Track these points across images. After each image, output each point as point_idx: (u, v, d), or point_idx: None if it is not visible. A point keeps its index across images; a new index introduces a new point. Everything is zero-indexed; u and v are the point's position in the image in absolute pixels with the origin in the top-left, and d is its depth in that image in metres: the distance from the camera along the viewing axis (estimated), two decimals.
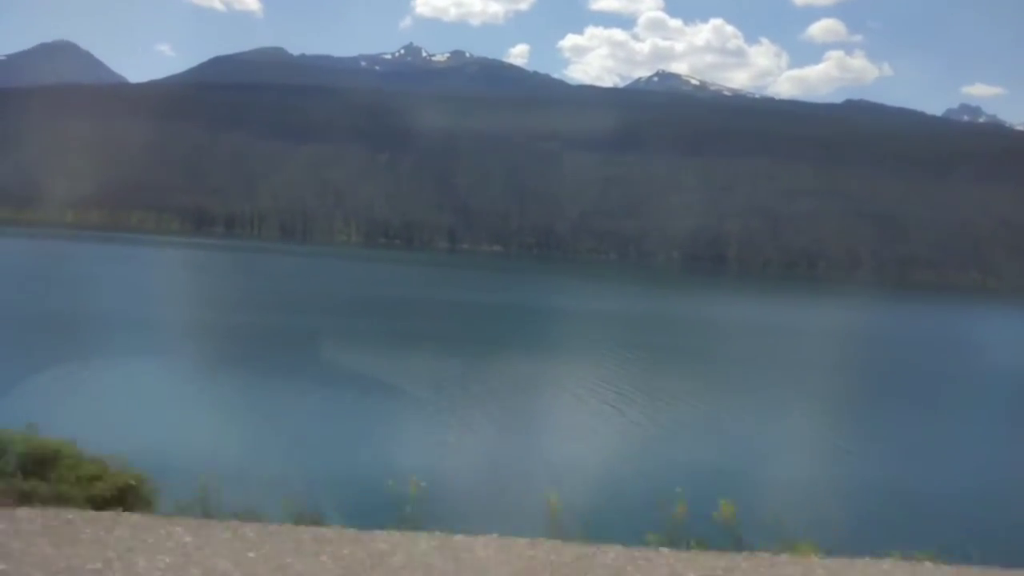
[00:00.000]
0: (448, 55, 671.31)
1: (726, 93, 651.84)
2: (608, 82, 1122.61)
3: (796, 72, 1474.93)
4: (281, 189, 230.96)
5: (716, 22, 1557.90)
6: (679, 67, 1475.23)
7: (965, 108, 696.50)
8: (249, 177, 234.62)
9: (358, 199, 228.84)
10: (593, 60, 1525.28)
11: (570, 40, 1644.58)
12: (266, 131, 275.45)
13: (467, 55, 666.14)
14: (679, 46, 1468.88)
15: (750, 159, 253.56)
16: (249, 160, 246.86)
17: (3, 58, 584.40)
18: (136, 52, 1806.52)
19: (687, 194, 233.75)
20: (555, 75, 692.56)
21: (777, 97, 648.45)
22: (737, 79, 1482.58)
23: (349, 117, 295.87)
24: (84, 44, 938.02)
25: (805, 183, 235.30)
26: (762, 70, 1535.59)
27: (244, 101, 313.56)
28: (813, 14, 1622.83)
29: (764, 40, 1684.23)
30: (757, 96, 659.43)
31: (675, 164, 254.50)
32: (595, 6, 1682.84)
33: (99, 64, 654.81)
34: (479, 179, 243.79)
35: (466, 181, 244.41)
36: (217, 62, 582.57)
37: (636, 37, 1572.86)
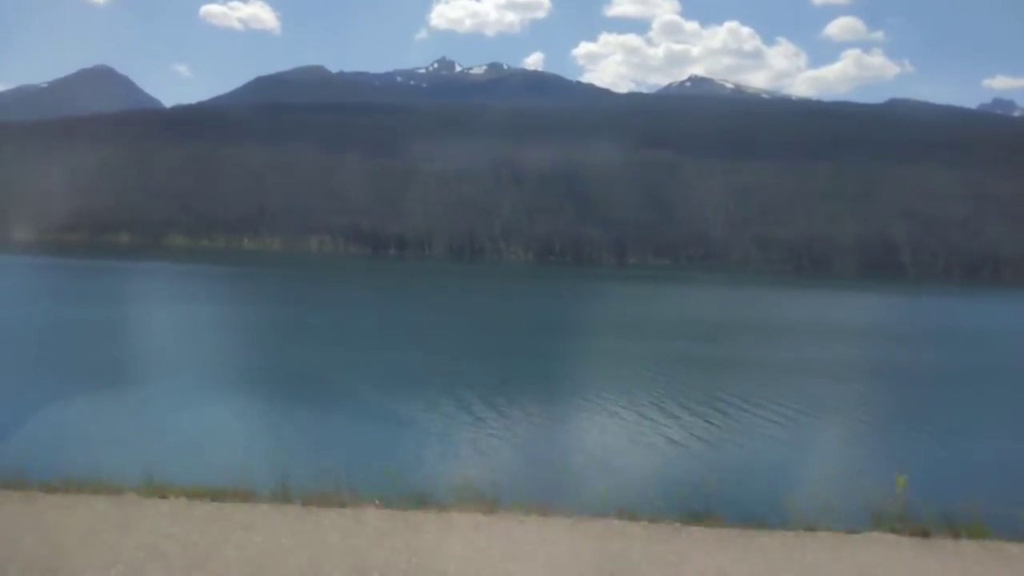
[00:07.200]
0: (485, 67, 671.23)
1: (764, 96, 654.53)
2: (624, 88, 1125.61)
3: (814, 72, 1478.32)
4: (422, 208, 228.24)
5: (732, 24, 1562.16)
6: (695, 70, 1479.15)
7: (998, 103, 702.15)
8: (387, 197, 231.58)
9: (500, 216, 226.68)
10: (608, 67, 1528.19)
11: (583, 48, 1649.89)
12: (375, 150, 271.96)
13: (505, 67, 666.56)
14: (695, 50, 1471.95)
15: (873, 163, 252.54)
16: (376, 180, 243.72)
17: (44, 85, 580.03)
18: (160, 74, 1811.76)
19: (829, 201, 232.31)
20: (593, 84, 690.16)
21: (813, 98, 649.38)
22: (755, 80, 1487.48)
23: (445, 133, 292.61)
24: (119, 68, 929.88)
25: (945, 186, 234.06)
26: (780, 71, 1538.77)
27: (323, 120, 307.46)
28: (831, 12, 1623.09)
29: (782, 40, 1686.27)
30: (795, 98, 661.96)
31: (799, 170, 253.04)
32: (611, 12, 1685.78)
33: (136, 88, 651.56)
34: (608, 191, 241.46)
35: (597, 194, 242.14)
36: (261, 82, 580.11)
37: (651, 42, 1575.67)
